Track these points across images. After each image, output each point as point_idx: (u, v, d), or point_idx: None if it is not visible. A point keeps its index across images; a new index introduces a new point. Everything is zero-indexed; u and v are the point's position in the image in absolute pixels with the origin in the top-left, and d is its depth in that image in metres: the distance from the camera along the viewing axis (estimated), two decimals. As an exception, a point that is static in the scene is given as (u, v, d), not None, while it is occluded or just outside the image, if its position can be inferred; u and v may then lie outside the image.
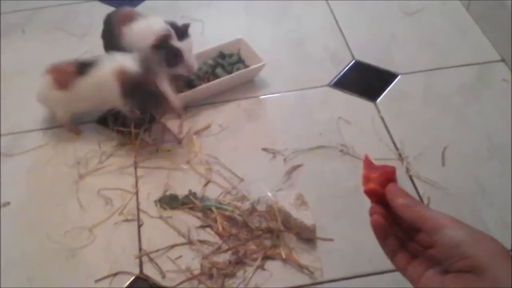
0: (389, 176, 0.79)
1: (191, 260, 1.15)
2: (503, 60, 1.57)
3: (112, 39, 1.47)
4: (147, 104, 1.32)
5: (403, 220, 0.76)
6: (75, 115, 1.44)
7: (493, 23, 1.62)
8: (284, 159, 1.33)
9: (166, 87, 1.29)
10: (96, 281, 1.13)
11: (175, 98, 1.31)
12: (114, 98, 1.31)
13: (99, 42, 1.66)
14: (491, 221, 1.18)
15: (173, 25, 1.41)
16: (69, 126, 1.44)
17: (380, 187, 0.78)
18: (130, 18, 1.46)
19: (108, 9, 1.84)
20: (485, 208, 1.20)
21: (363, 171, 0.81)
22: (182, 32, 1.41)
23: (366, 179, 0.80)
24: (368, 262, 1.12)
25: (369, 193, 0.80)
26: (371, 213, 0.78)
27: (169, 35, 1.38)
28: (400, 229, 0.79)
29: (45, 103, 1.45)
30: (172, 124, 1.44)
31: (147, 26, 1.42)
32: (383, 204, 0.78)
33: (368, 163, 0.82)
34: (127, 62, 1.30)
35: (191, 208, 1.24)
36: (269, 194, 1.21)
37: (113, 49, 1.44)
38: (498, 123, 1.39)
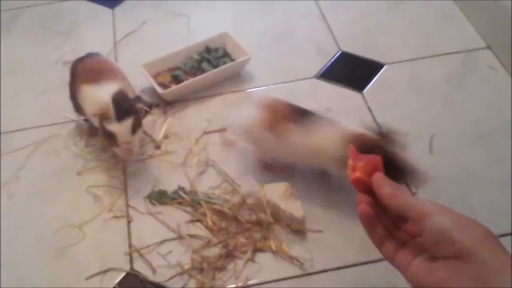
0: (375, 165, 0.79)
1: (181, 255, 1.15)
2: (489, 47, 1.57)
3: (71, 90, 1.38)
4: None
5: (390, 209, 0.76)
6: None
7: (478, 10, 1.62)
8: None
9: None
10: (87, 278, 1.13)
11: None
12: (330, 162, 1.15)
13: (85, 40, 1.66)
14: (479, 207, 1.19)
15: (120, 101, 1.22)
16: (265, 164, 1.30)
17: (366, 176, 0.78)
18: (91, 76, 1.30)
19: (93, 7, 1.84)
20: (473, 194, 1.21)
21: (349, 160, 0.81)
22: (125, 111, 1.21)
23: (352, 169, 0.80)
24: (358, 251, 1.13)
25: (356, 182, 0.79)
26: (358, 202, 0.78)
27: (104, 114, 1.21)
28: (387, 218, 0.79)
29: (246, 135, 1.27)
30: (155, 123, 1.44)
31: (93, 94, 1.26)
32: (370, 193, 0.78)
33: (354, 153, 0.82)
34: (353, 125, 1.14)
35: (180, 203, 1.24)
36: (258, 187, 1.21)
37: (72, 100, 1.38)
38: (485, 110, 1.40)
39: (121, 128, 1.20)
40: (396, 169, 1.08)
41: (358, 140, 1.08)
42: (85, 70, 1.33)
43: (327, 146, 1.13)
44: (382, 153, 0.98)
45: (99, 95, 1.23)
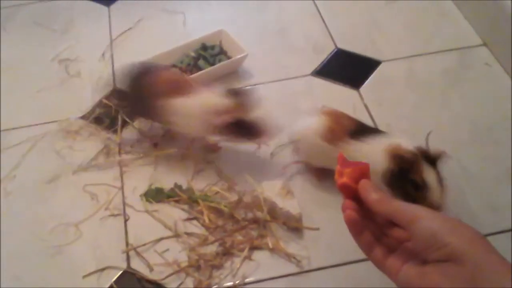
0: (362, 171, 0.80)
1: (178, 252, 1.15)
2: (485, 44, 1.57)
3: (144, 108, 1.30)
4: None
5: (378, 215, 0.77)
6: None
7: (475, 7, 1.62)
8: (269, 149, 1.34)
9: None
10: (84, 277, 1.13)
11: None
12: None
13: (81, 38, 1.66)
14: (475, 205, 1.19)
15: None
16: (315, 172, 1.27)
17: (353, 182, 0.79)
18: (177, 88, 1.24)
19: (89, 5, 1.84)
20: (469, 191, 1.21)
21: (337, 166, 0.82)
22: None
23: (340, 174, 0.81)
24: (354, 249, 1.11)
25: (342, 188, 0.80)
26: (344, 208, 0.79)
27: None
28: (374, 224, 0.79)
29: (303, 144, 1.25)
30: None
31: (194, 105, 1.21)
32: (356, 199, 0.79)
33: (342, 159, 0.83)
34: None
35: (177, 201, 1.24)
36: (255, 185, 1.21)
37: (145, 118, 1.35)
38: (481, 107, 1.40)
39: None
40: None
41: (397, 157, 1.06)
42: (164, 84, 1.25)
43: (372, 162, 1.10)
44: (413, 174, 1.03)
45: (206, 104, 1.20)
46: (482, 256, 0.66)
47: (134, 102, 1.33)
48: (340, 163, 0.82)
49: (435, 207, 1.03)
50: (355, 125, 1.16)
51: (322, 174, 1.25)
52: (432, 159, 1.06)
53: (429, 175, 1.04)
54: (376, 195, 0.76)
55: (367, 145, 1.12)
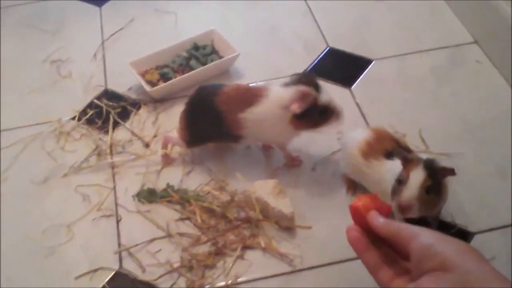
0: (380, 208, 0.83)
1: (170, 253, 1.15)
2: (475, 42, 1.57)
3: (216, 127, 1.24)
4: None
5: (384, 238, 0.80)
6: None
7: (465, 5, 1.62)
8: (260, 148, 1.34)
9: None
10: (76, 278, 1.13)
11: None
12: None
13: (72, 39, 1.65)
14: (466, 202, 1.19)
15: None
16: (349, 182, 1.25)
17: (365, 210, 0.83)
18: (243, 101, 1.21)
19: (80, 5, 1.84)
20: (460, 188, 1.21)
21: (366, 196, 0.86)
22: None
23: (359, 198, 0.85)
24: (347, 248, 1.11)
25: (352, 210, 0.84)
26: (347, 230, 0.84)
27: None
28: (382, 251, 0.82)
29: (342, 153, 1.26)
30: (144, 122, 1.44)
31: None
32: (365, 229, 0.83)
33: (374, 196, 0.86)
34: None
35: (169, 201, 1.24)
36: (247, 184, 1.21)
37: (219, 139, 1.29)
38: (472, 104, 1.41)
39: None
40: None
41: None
42: (233, 100, 1.22)
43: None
44: None
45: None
46: (474, 265, 0.69)
47: (208, 126, 1.26)
48: (369, 196, 0.85)
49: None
50: (394, 147, 1.13)
51: (352, 186, 1.24)
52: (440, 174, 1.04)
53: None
54: (383, 219, 0.80)
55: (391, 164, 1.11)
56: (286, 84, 1.20)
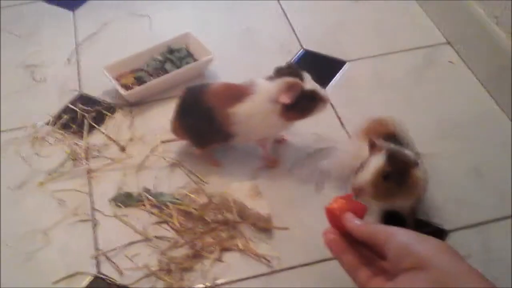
0: (355, 209, 0.84)
1: (148, 256, 1.15)
2: (448, 43, 1.59)
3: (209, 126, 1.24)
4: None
5: (360, 239, 0.80)
6: None
7: (438, 6, 1.64)
8: (237, 151, 1.34)
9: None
10: (54, 283, 1.13)
11: None
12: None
13: (46, 43, 1.64)
14: (442, 200, 1.21)
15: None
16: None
17: (340, 212, 0.83)
18: (231, 97, 1.22)
19: (53, 9, 1.83)
20: (436, 187, 1.21)
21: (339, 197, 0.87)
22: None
23: (334, 200, 0.86)
24: (324, 248, 1.13)
25: (328, 212, 0.85)
26: (324, 233, 0.85)
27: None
28: (359, 253, 0.83)
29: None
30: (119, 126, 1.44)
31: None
32: (341, 232, 0.84)
33: (349, 196, 0.88)
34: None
35: (146, 205, 1.23)
36: (224, 186, 1.21)
37: (216, 140, 1.28)
38: (446, 105, 1.42)
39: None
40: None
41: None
42: (221, 96, 1.23)
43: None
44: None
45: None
46: (449, 263, 0.70)
47: (200, 124, 1.25)
48: (345, 197, 0.86)
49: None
50: (392, 137, 1.13)
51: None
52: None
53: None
54: (359, 221, 0.81)
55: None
56: (271, 78, 1.21)
